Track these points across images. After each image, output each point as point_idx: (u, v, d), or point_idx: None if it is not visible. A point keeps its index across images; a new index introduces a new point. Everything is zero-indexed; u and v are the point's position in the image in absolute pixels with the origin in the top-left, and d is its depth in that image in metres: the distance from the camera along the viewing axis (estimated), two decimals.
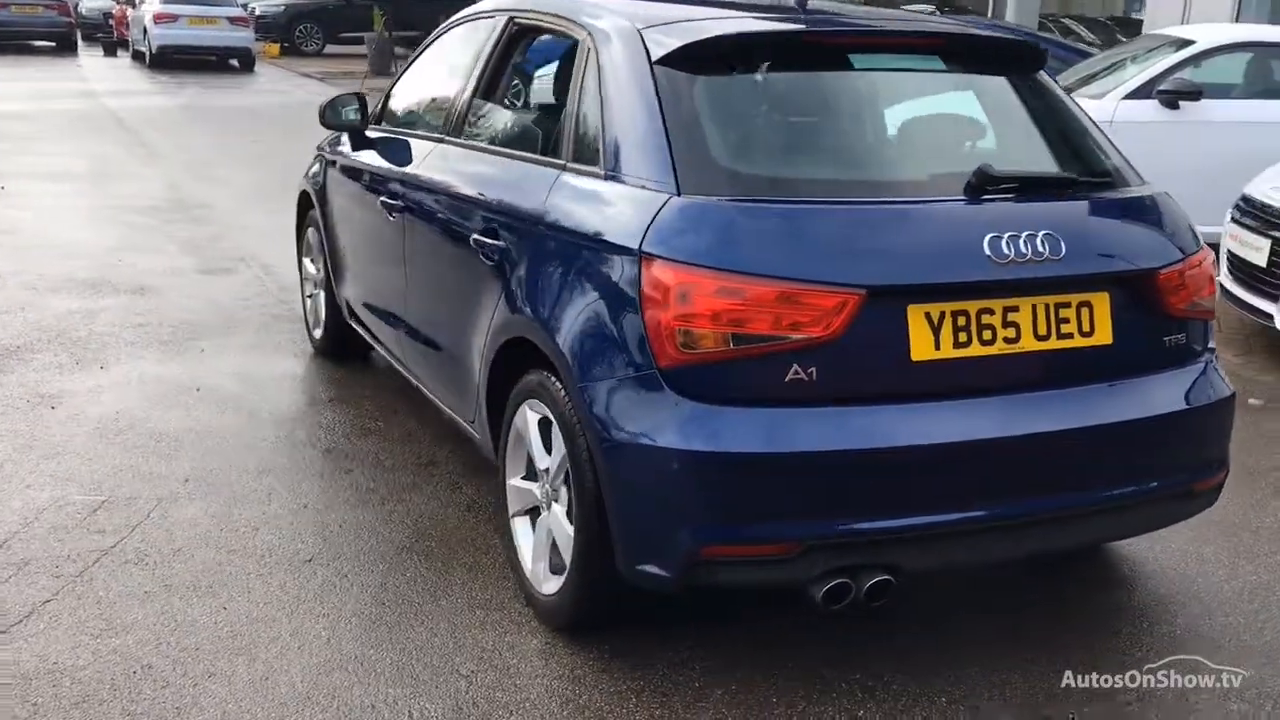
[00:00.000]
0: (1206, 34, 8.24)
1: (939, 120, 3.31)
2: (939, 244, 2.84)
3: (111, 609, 3.24)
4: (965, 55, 3.33)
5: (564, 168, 3.24)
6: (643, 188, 2.90)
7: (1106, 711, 2.92)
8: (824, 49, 3.21)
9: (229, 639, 3.11)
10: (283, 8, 26.79)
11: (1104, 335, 2.94)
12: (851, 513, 2.73)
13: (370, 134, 4.69)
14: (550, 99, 3.69)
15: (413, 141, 4.31)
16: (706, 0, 3.63)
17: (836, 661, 3.08)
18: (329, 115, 4.66)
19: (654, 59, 3.08)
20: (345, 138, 5.09)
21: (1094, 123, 3.37)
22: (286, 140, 13.18)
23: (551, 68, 3.76)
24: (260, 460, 4.31)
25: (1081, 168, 3.17)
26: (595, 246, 2.96)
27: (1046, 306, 2.87)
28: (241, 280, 6.97)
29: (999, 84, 3.34)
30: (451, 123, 3.98)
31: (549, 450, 3.17)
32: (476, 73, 3.93)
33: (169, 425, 4.60)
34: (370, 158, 4.59)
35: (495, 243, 3.37)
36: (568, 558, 3.06)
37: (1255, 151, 6.70)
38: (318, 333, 5.53)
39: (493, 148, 3.71)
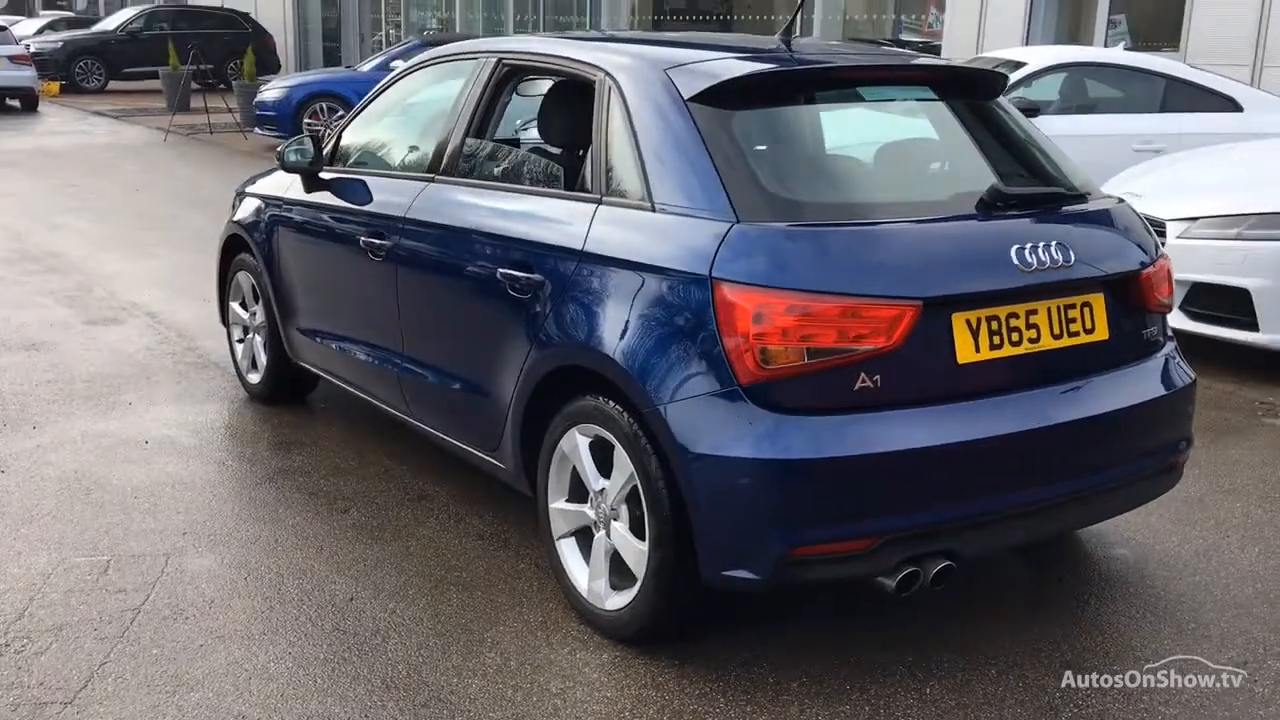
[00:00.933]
0: (1035, 56, 8.99)
1: (942, 144, 3.63)
2: (975, 256, 3.15)
3: (174, 664, 3.20)
4: (949, 84, 3.67)
5: (600, 201, 3.40)
6: (698, 217, 3.10)
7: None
8: (839, 84, 3.48)
9: (310, 682, 3.13)
10: (61, 44, 25.51)
11: (1102, 331, 3.31)
12: (921, 506, 3.00)
13: (326, 175, 4.70)
14: (568, 137, 3.84)
15: (387, 181, 4.37)
16: (701, 43, 3.85)
17: (888, 645, 3.34)
18: (291, 159, 4.65)
19: (686, 97, 3.29)
20: (273, 179, 5.09)
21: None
22: (111, 182, 12.72)
23: (562, 107, 3.90)
24: (250, 507, 4.27)
25: (1065, 183, 3.55)
26: (655, 273, 3.13)
27: (1059, 308, 3.22)
28: (134, 329, 6.76)
29: (977, 109, 3.69)
30: (442, 162, 4.07)
31: (605, 472, 3.32)
32: (465, 113, 4.03)
33: (137, 480, 4.49)
34: (332, 199, 4.60)
35: (527, 275, 3.50)
36: (640, 572, 3.21)
37: (1081, 163, 7.37)
38: (254, 377, 5.46)
39: (506, 185, 3.83)
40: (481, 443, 3.87)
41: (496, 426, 3.72)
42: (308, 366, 5.02)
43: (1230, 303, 5.88)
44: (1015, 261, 3.11)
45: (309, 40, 26.63)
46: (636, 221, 3.28)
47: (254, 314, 5.38)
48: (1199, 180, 6.76)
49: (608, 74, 3.53)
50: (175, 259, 8.73)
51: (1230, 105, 8.58)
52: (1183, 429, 3.55)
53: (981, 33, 14.41)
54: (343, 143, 4.80)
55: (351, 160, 4.75)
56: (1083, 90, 9.32)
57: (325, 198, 4.67)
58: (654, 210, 3.24)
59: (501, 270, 3.59)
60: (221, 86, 21.75)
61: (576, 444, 3.38)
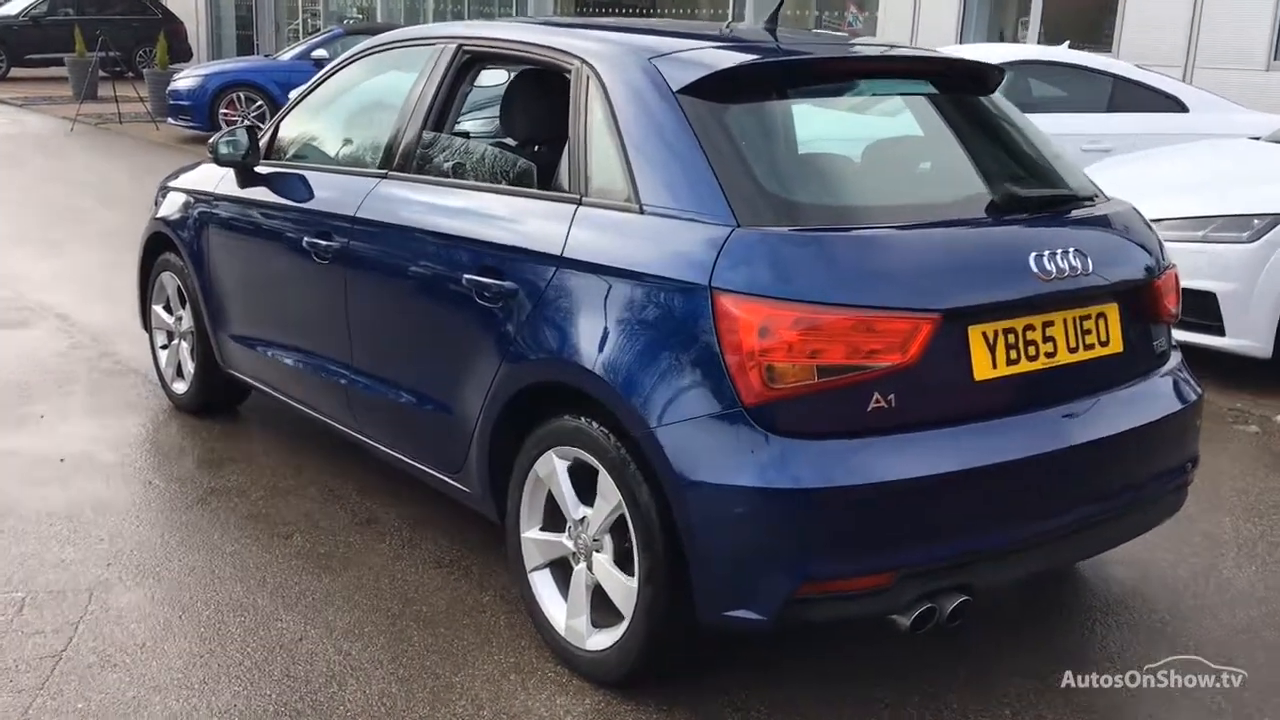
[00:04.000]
0: (977, 54, 8.85)
1: (944, 142, 3.38)
2: (993, 264, 2.91)
3: None
4: (949, 78, 3.43)
5: (579, 202, 3.10)
6: (693, 220, 2.82)
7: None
8: (838, 76, 3.22)
9: None
10: None
11: (1116, 344, 3.10)
12: (939, 537, 2.76)
13: (263, 170, 4.34)
14: (539, 131, 3.54)
15: (333, 178, 4.02)
16: (683, 31, 3.57)
17: (891, 683, 3.09)
18: (224, 152, 4.27)
19: (675, 89, 3.01)
20: (201, 172, 4.71)
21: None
22: (15, 175, 12.06)
23: (532, 98, 3.60)
24: (182, 533, 3.89)
25: (1072, 184, 3.33)
26: (645, 282, 2.85)
27: (1075, 320, 3.00)
28: (44, 333, 6.28)
29: (977, 104, 3.45)
30: (396, 158, 3.73)
31: (586, 499, 3.03)
32: (423, 105, 3.70)
33: (54, 504, 4.09)
34: (270, 195, 4.24)
35: (498, 282, 3.19)
36: (627, 610, 2.92)
37: None
38: (179, 386, 5.06)
39: (470, 183, 3.50)
40: (443, 464, 3.55)
41: (461, 447, 3.40)
42: (241, 377, 4.64)
43: (1196, 306, 5.75)
44: (1034, 269, 2.87)
45: (222, 28, 25.80)
46: (622, 225, 2.99)
47: (180, 319, 4.98)
48: (1160, 181, 6.64)
49: (585, 63, 3.23)
50: (87, 257, 8.21)
51: (1176, 105, 8.52)
52: (1193, 447, 3.36)
53: (915, 30, 14.34)
54: (281, 135, 4.43)
55: (291, 154, 4.39)
56: (1027, 89, 9.22)
57: (262, 194, 4.30)
58: (642, 212, 2.95)
59: (468, 276, 3.28)
60: (130, 75, 20.93)
61: (554, 468, 3.08)
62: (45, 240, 8.78)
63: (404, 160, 3.71)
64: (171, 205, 4.94)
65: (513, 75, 3.81)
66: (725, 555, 2.72)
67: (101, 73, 19.16)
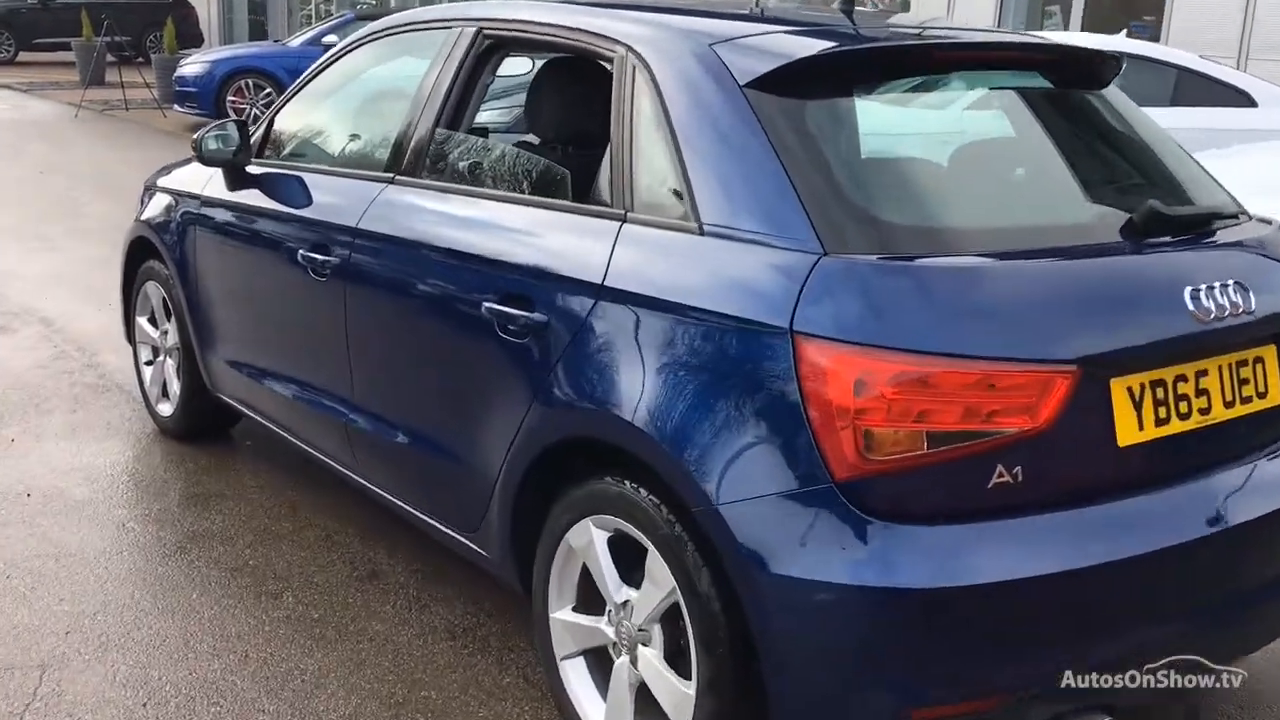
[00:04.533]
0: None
1: (1065, 147, 2.82)
2: (1140, 301, 2.36)
3: None
4: (1062, 69, 2.86)
5: (624, 218, 2.56)
6: (768, 245, 2.28)
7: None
8: (937, 67, 2.66)
9: None
10: None
11: (1275, 394, 2.55)
12: (1076, 647, 2.21)
13: (255, 170, 3.80)
14: (574, 131, 3.00)
15: (333, 181, 3.49)
16: (744, 13, 3.02)
17: None
18: (211, 148, 3.74)
19: (743, 82, 2.46)
20: (190, 171, 4.19)
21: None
22: (12, 163, 11.57)
23: (566, 91, 3.06)
24: (155, 591, 3.37)
25: (1216, 198, 2.78)
26: (707, 320, 2.31)
27: (1231, 366, 2.45)
28: (25, 341, 5.77)
29: (1094, 101, 2.90)
30: (405, 159, 3.19)
31: (631, 579, 2.50)
32: (436, 97, 3.15)
33: (12, 551, 3.57)
34: (262, 199, 3.71)
35: (525, 314, 2.65)
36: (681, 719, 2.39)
37: None
38: (165, 408, 4.54)
39: (493, 191, 2.96)
40: (457, 521, 3.02)
41: (478, 503, 2.87)
42: (230, 402, 4.12)
43: None
44: (1190, 307, 2.32)
45: (233, 13, 25.30)
46: (678, 248, 2.44)
47: (165, 333, 4.47)
48: (1243, 184, 6.05)
49: (631, 50, 2.68)
50: (81, 253, 7.70)
51: (1244, 100, 7.92)
52: None
53: (951, 13, 13.74)
54: (276, 130, 3.90)
55: (287, 152, 3.85)
56: None
57: (253, 197, 3.76)
58: (702, 233, 2.40)
59: (489, 304, 2.74)
60: (140, 60, 20.44)
61: (590, 539, 2.55)
62: (37, 235, 8.27)
63: (414, 162, 3.17)
64: (156, 207, 4.41)
65: (542, 64, 3.26)
66: (810, 669, 2.18)
67: (111, 58, 18.69)
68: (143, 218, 4.49)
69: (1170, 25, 11.70)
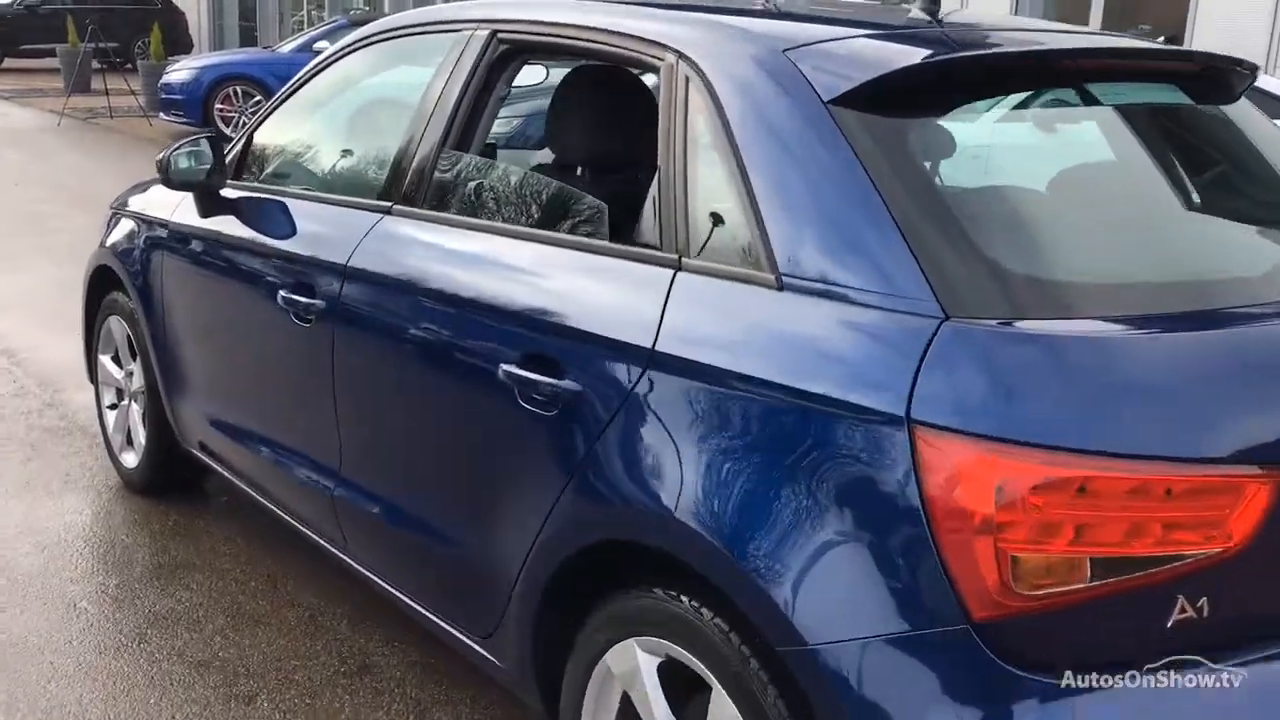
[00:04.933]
0: None
1: (1221, 179, 2.33)
2: None
3: None
4: (1198, 81, 2.37)
5: (678, 265, 2.06)
6: (870, 304, 1.78)
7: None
8: (1060, 80, 2.17)
9: None
10: None
11: None
12: None
13: (231, 193, 3.30)
14: (610, 155, 2.50)
15: (321, 209, 2.99)
16: (813, 13, 2.53)
17: None
18: (181, 167, 3.23)
19: (827, 98, 1.97)
20: (158, 192, 3.68)
21: None
22: None
23: (600, 107, 2.57)
24: (105, 695, 2.86)
25: None
26: (791, 402, 1.81)
27: None
28: None
29: (1231, 117, 2.40)
30: (403, 185, 2.69)
31: (685, 715, 1.99)
32: (442, 112, 2.65)
33: None
34: (238, 228, 3.20)
35: (553, 381, 2.14)
36: None
37: None
38: (129, 458, 4.03)
39: (511, 228, 2.46)
40: (465, 622, 2.51)
41: (491, 605, 2.37)
42: (201, 458, 3.61)
43: None
44: None
45: (224, 18, 24.79)
46: (749, 305, 1.94)
47: (130, 374, 3.96)
48: None
49: (683, 57, 2.18)
50: (50, 274, 7.16)
51: None
52: None
53: (964, 6, 13.28)
54: (255, 148, 3.39)
55: (267, 174, 3.35)
56: None
57: (228, 225, 3.25)
58: (780, 287, 1.90)
59: (508, 368, 2.23)
60: (128, 66, 19.88)
61: (635, 665, 2.04)
62: (4, 254, 7.74)
63: (415, 189, 2.66)
64: (121, 232, 3.91)
65: (569, 73, 2.76)
66: None
67: (97, 65, 18.18)
68: (107, 243, 3.98)
69: (1194, 28, 11.25)
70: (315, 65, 3.28)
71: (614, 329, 2.08)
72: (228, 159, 3.33)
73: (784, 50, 2.08)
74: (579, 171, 2.65)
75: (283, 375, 3.05)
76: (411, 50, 3.02)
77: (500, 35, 2.63)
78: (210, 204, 3.34)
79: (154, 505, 3.93)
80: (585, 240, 2.29)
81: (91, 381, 4.27)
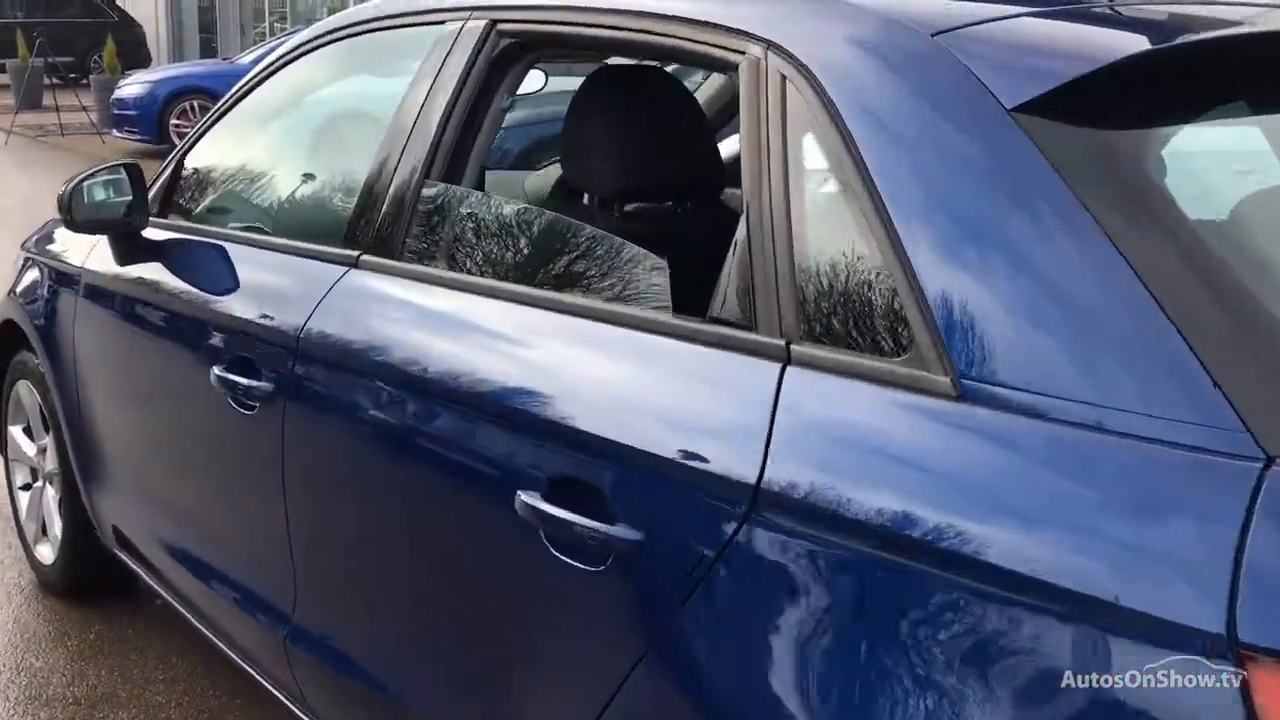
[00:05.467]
0: None
1: None
2: None
3: None
4: None
5: (786, 355, 1.38)
6: (1134, 435, 1.11)
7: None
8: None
9: None
10: None
11: None
12: None
13: (155, 235, 2.60)
14: (660, 185, 1.83)
15: (269, 257, 2.30)
16: None
17: None
18: (88, 205, 2.54)
19: (1011, 105, 1.30)
20: (68, 233, 2.97)
21: None
22: None
23: (646, 121, 1.88)
24: None
25: None
26: (992, 586, 1.14)
27: None
28: None
29: None
30: (374, 228, 2.00)
31: None
32: (425, 129, 1.96)
33: None
34: (165, 278, 2.51)
35: (597, 526, 1.45)
36: None
37: None
38: (45, 552, 3.32)
39: (520, 289, 1.76)
40: None
41: None
42: (127, 561, 2.91)
43: None
44: None
45: (184, 31, 24.01)
46: (914, 424, 1.27)
47: (44, 450, 3.25)
48: None
49: (775, 48, 1.50)
50: None
51: None
52: None
53: None
54: (185, 177, 2.70)
55: (201, 209, 2.66)
56: None
57: (151, 275, 2.56)
58: (960, 396, 1.22)
59: (527, 498, 1.54)
60: (84, 82, 19.12)
61: None
62: None
63: (390, 233, 1.97)
64: (29, 280, 3.21)
65: (591, 74, 2.08)
66: None
67: (52, 79, 17.42)
68: (17, 291, 3.28)
69: None
70: (260, 71, 2.58)
71: (692, 454, 1.40)
72: (152, 192, 2.64)
73: (934, 34, 1.42)
74: (614, 210, 1.97)
75: (220, 475, 2.36)
76: (385, 50, 2.33)
77: (501, 27, 1.94)
78: (129, 249, 2.64)
79: (74, 610, 3.22)
80: (635, 314, 1.60)
81: (0, 456, 3.56)
